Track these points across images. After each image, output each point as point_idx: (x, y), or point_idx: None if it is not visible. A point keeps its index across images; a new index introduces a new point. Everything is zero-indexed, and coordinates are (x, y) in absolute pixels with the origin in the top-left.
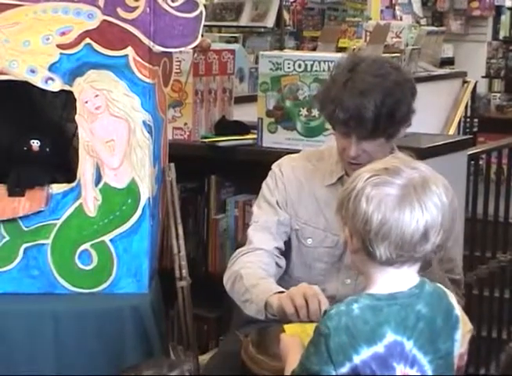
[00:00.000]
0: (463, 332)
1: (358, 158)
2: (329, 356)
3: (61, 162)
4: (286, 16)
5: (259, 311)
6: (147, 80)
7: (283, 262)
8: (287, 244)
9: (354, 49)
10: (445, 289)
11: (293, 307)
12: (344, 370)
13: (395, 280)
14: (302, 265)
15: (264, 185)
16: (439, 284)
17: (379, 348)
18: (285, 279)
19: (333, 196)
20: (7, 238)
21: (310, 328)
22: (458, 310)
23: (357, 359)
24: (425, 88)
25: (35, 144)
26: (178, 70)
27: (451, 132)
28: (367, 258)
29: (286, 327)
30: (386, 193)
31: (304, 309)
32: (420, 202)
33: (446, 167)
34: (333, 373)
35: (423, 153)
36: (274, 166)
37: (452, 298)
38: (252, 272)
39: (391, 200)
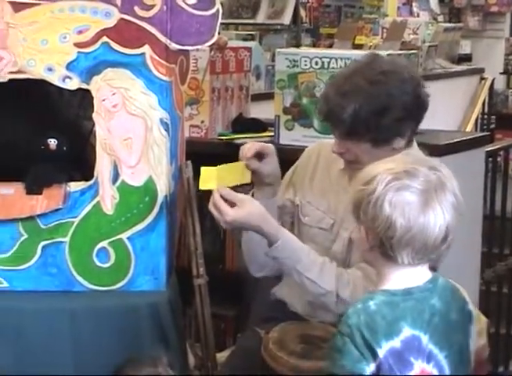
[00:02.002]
0: (480, 325)
1: (342, 155)
2: (359, 352)
3: (78, 160)
4: (302, 13)
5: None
6: (164, 78)
7: None
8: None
9: (370, 47)
10: (457, 284)
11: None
12: (373, 365)
13: (410, 276)
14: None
15: None
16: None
17: (395, 342)
18: None
19: (340, 180)
20: (25, 236)
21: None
22: (471, 305)
23: (380, 354)
24: (442, 85)
25: (52, 143)
26: (195, 68)
27: (468, 129)
28: (383, 258)
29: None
30: (409, 198)
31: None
32: (442, 206)
33: (464, 164)
34: (367, 368)
35: (440, 151)
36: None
37: (464, 293)
38: None
39: (415, 206)
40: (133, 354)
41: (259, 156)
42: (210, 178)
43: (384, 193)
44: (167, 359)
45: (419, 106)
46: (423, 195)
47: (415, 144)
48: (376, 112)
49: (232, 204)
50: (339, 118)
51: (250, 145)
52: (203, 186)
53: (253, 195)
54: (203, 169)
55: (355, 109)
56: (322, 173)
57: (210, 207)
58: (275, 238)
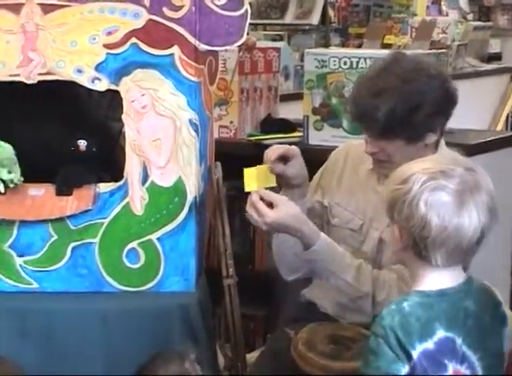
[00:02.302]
0: None
1: (375, 155)
2: (394, 353)
3: (108, 161)
4: (331, 13)
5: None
6: (193, 78)
7: None
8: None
9: (399, 46)
10: (491, 286)
11: None
12: (407, 367)
13: (444, 277)
14: None
15: None
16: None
17: (429, 344)
18: None
19: (368, 180)
20: (55, 237)
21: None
22: (505, 307)
23: (414, 355)
24: (472, 84)
25: (82, 144)
26: (224, 69)
27: (498, 128)
28: (417, 258)
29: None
30: (445, 199)
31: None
32: (477, 207)
33: (494, 163)
34: (402, 369)
35: (471, 150)
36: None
37: (499, 295)
38: None
39: (450, 206)
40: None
41: (284, 159)
42: (252, 179)
43: (420, 192)
44: (195, 356)
45: (448, 100)
46: (458, 196)
47: (443, 142)
48: (410, 109)
49: (269, 206)
50: (373, 118)
51: (273, 148)
52: (248, 187)
53: None
54: (246, 170)
55: (390, 108)
56: (350, 174)
57: (249, 208)
58: (313, 240)
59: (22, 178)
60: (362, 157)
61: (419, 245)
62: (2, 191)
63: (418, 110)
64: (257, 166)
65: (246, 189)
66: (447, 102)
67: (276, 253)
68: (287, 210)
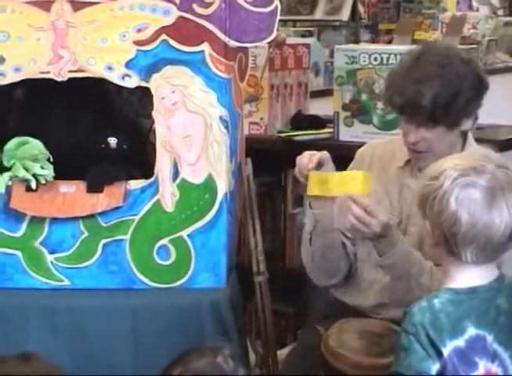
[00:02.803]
0: None
1: (417, 145)
2: (425, 351)
3: (138, 158)
4: (361, 9)
5: (306, 211)
6: (223, 75)
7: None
8: None
9: (430, 42)
10: None
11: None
12: (438, 364)
13: (475, 274)
14: (363, 246)
15: None
16: None
17: (460, 342)
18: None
19: (400, 178)
20: (86, 234)
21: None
22: None
23: (445, 352)
24: (503, 79)
25: (112, 141)
26: (254, 65)
27: None
28: (448, 255)
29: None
30: (475, 195)
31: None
32: (508, 204)
33: None
34: (433, 367)
35: (501, 146)
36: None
37: None
38: None
39: (481, 203)
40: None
41: (318, 165)
42: (318, 183)
43: (451, 188)
44: (229, 351)
45: (482, 84)
46: (489, 192)
47: (471, 134)
48: (452, 94)
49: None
50: (419, 106)
51: (306, 155)
52: (311, 191)
53: (310, 204)
54: (312, 174)
55: (434, 94)
56: (380, 173)
57: (353, 220)
58: (394, 244)
59: (53, 175)
60: (389, 156)
61: (449, 241)
62: (34, 187)
63: (459, 95)
64: (347, 172)
65: (309, 193)
66: (481, 86)
67: (318, 260)
68: (384, 217)
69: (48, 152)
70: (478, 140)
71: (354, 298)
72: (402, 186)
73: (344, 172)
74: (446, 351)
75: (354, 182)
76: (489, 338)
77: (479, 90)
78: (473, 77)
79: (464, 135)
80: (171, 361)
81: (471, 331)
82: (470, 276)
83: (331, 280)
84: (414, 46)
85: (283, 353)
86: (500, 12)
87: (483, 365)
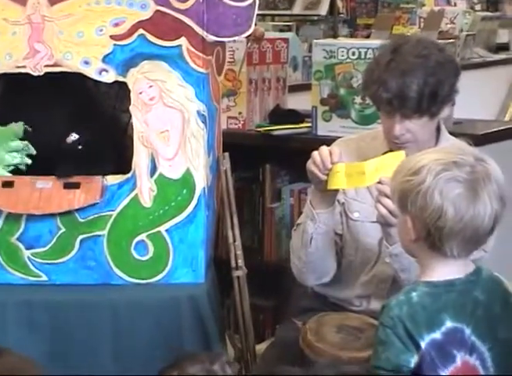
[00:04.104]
0: None
1: (402, 138)
2: (403, 344)
3: (115, 153)
4: (339, 3)
5: (307, 211)
6: (201, 70)
7: (337, 246)
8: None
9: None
10: (501, 276)
11: (314, 164)
12: (416, 356)
13: (453, 267)
14: (351, 242)
15: None
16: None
17: (437, 334)
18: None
19: None
20: (63, 230)
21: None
22: None
23: (423, 345)
24: (480, 75)
25: (72, 138)
26: (232, 60)
27: (507, 119)
28: (429, 250)
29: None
30: (459, 189)
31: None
32: (490, 196)
33: (502, 153)
34: (412, 360)
35: (478, 140)
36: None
37: (508, 285)
38: None
39: (465, 196)
40: (191, 350)
41: None
42: (349, 174)
43: (435, 183)
44: (226, 358)
45: (458, 70)
46: (472, 185)
47: (444, 127)
48: (437, 83)
49: None
50: (407, 97)
51: (326, 149)
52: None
53: (311, 204)
54: (342, 165)
55: (419, 84)
56: None
57: (382, 210)
58: None
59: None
60: (363, 151)
61: (433, 236)
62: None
63: (443, 82)
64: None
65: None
66: (458, 71)
67: (311, 259)
68: None
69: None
70: (456, 135)
71: (336, 291)
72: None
73: (379, 158)
74: (424, 343)
75: (389, 165)
76: (467, 331)
77: (457, 75)
78: (451, 63)
79: (438, 122)
80: (167, 364)
81: (448, 324)
82: (447, 270)
83: (322, 279)
84: (387, 41)
85: (261, 348)
86: (478, 7)
87: (461, 357)
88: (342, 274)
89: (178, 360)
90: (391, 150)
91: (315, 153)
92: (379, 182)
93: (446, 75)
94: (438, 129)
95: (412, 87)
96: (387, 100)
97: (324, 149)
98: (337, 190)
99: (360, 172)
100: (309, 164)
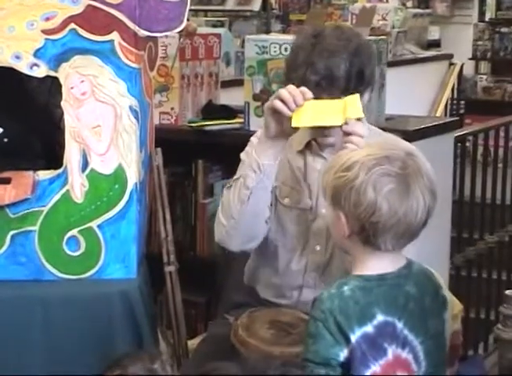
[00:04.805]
0: (455, 311)
1: None
2: (333, 337)
3: (47, 148)
4: None
5: (251, 163)
6: (133, 65)
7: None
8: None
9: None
10: (432, 269)
11: (280, 101)
12: (346, 350)
13: (385, 261)
14: (278, 227)
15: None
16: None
17: (368, 328)
18: (262, 242)
19: (302, 161)
20: None
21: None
22: (445, 290)
23: (353, 338)
24: (412, 71)
25: (17, 131)
26: (165, 55)
27: (438, 114)
28: (362, 244)
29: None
30: (392, 184)
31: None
32: (422, 190)
33: (433, 149)
34: (341, 354)
35: (410, 136)
36: (253, 137)
37: (439, 278)
38: None
39: (399, 191)
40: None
41: None
42: (317, 112)
43: (367, 178)
44: (167, 357)
45: (375, 56)
46: (404, 180)
47: (365, 120)
48: (362, 63)
49: None
50: (335, 78)
51: (294, 87)
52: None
53: (256, 153)
54: (311, 102)
55: (347, 64)
56: (283, 161)
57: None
58: None
59: None
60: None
61: (367, 231)
62: None
63: (367, 63)
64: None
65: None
66: (375, 57)
67: (244, 219)
68: None
69: None
70: (388, 130)
71: (269, 281)
72: (306, 169)
73: (350, 97)
74: (354, 337)
75: (352, 107)
76: (399, 325)
77: (375, 61)
78: (369, 47)
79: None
80: (109, 363)
81: (380, 317)
82: (379, 264)
83: (249, 243)
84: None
85: (193, 343)
86: (409, 3)
87: (392, 351)
88: (269, 260)
89: (119, 359)
90: (314, 139)
91: (282, 91)
92: (345, 123)
93: (367, 57)
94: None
95: (341, 67)
96: (316, 82)
97: (292, 86)
98: (284, 141)
99: (327, 111)
100: (275, 102)
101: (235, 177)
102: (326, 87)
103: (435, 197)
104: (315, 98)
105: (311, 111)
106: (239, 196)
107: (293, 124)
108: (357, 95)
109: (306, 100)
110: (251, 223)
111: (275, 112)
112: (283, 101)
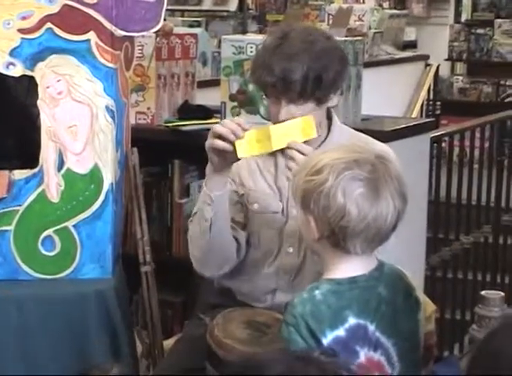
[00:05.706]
0: (428, 312)
1: None
2: (305, 341)
3: (24, 148)
4: None
5: (205, 197)
6: (109, 64)
7: (237, 233)
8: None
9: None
10: (403, 270)
11: (218, 138)
12: None
13: (357, 264)
14: (254, 233)
15: None
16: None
17: (340, 332)
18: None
19: (269, 163)
20: None
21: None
22: (418, 291)
23: (325, 342)
24: (388, 72)
25: None
26: (141, 55)
27: (414, 115)
28: (332, 248)
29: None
30: (362, 188)
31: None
32: (392, 194)
33: (409, 150)
34: None
35: (386, 136)
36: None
37: (411, 280)
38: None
39: (367, 195)
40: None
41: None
42: (258, 140)
43: (337, 183)
44: (118, 370)
45: (346, 59)
46: (373, 184)
47: (334, 113)
48: (322, 68)
49: None
50: (290, 81)
51: (230, 121)
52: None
53: (207, 186)
54: (252, 132)
55: (304, 68)
56: (253, 166)
57: (290, 164)
58: None
59: None
60: None
61: (337, 235)
62: None
63: (328, 68)
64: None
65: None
66: (345, 60)
67: (211, 248)
68: None
69: None
70: (364, 131)
71: (242, 285)
72: (277, 171)
73: (287, 122)
74: (326, 341)
75: (297, 130)
76: (371, 327)
77: (345, 64)
78: (337, 51)
79: (329, 113)
80: None
81: (352, 321)
82: (350, 267)
83: (223, 267)
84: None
85: (169, 343)
86: (386, 5)
87: (364, 354)
88: (246, 266)
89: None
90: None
91: (217, 127)
92: (288, 147)
93: (331, 61)
94: (330, 119)
95: (297, 71)
96: (272, 84)
97: (227, 121)
98: (228, 169)
99: (269, 137)
100: (214, 142)
101: (193, 211)
102: (282, 89)
103: (406, 201)
104: (275, 100)
105: (254, 140)
106: (201, 228)
107: (239, 156)
108: (309, 118)
109: (245, 131)
110: (219, 250)
111: (217, 149)
112: (221, 137)
